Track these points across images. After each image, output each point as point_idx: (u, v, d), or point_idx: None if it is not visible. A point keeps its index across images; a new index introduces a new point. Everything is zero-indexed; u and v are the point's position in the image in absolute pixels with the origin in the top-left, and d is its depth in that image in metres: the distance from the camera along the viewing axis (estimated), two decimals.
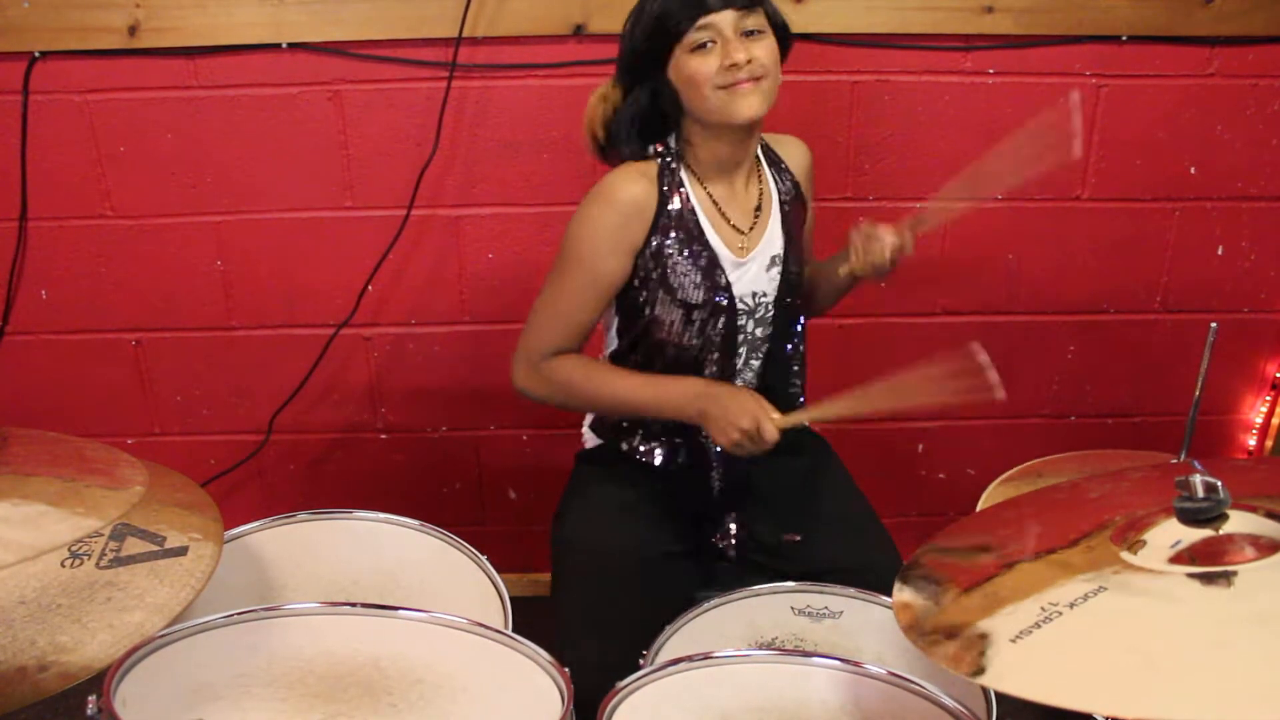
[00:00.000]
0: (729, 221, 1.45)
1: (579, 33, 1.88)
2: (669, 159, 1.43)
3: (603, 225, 1.41)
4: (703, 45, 1.32)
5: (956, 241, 2.06)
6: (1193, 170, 2.02)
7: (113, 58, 1.87)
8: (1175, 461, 1.42)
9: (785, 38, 1.40)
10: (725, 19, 1.31)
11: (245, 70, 1.89)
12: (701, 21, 1.31)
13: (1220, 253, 2.09)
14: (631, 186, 1.41)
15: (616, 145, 1.45)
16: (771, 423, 1.33)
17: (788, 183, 1.52)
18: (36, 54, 1.86)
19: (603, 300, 1.45)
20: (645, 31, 1.35)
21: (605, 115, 1.44)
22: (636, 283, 1.44)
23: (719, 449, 1.44)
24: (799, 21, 1.86)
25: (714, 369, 1.47)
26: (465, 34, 1.86)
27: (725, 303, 1.44)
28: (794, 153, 1.56)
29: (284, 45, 1.88)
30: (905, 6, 1.88)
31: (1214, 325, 1.37)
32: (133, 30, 1.85)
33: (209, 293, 2.05)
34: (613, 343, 1.56)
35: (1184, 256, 2.09)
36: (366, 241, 2.00)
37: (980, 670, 0.84)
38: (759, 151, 1.50)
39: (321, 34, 1.87)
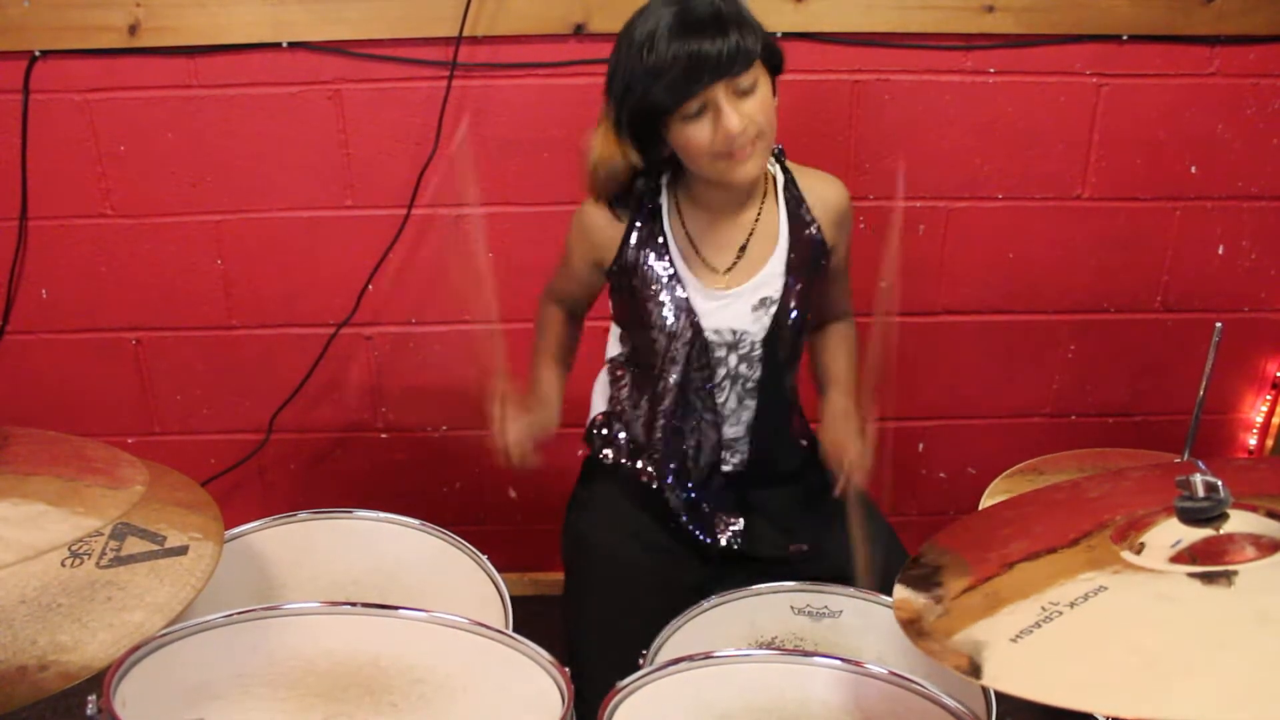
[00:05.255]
0: (701, 257, 1.43)
1: (579, 32, 1.88)
2: (656, 193, 1.42)
3: (575, 235, 1.48)
4: (696, 113, 1.27)
5: (957, 241, 2.06)
6: (1193, 170, 2.02)
7: (113, 57, 1.87)
8: (1179, 461, 1.41)
9: (778, 63, 1.33)
10: (718, 89, 1.24)
11: (245, 70, 1.89)
12: (693, 99, 1.25)
13: (1221, 252, 2.09)
14: (596, 215, 1.44)
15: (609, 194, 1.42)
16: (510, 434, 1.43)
17: (806, 224, 1.45)
18: (36, 53, 1.86)
19: (580, 288, 1.54)
20: (635, 103, 1.28)
21: (605, 165, 1.39)
22: (618, 296, 1.46)
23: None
24: (799, 21, 1.87)
25: (699, 397, 1.46)
26: (465, 33, 1.86)
27: (692, 333, 1.42)
28: (825, 193, 1.47)
29: (284, 44, 1.88)
30: (906, 6, 1.88)
31: (1219, 325, 1.37)
32: (133, 29, 1.85)
33: (209, 292, 2.05)
34: (613, 348, 1.57)
35: (1184, 256, 2.09)
36: (367, 241, 2.00)
37: (980, 670, 0.84)
38: (778, 186, 1.46)
39: (322, 33, 1.87)
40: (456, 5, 1.84)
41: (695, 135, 1.28)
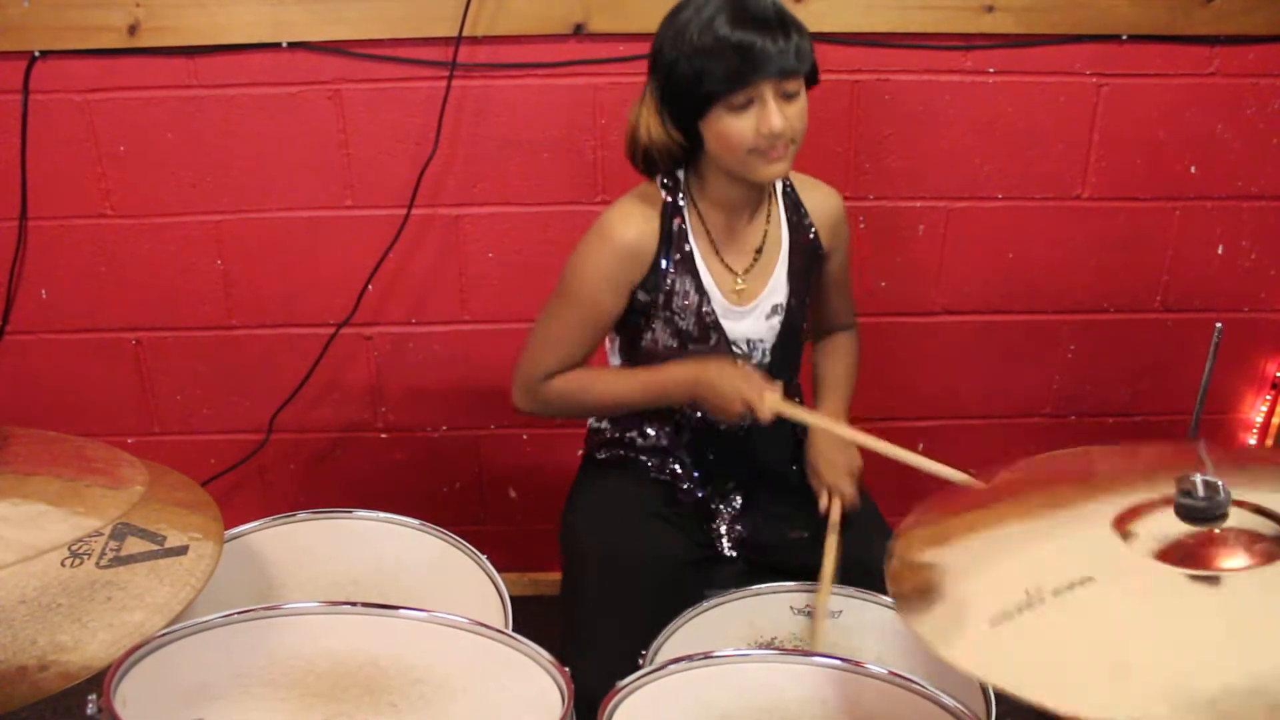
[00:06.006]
0: (723, 261, 1.45)
1: (579, 32, 1.88)
2: (677, 192, 1.43)
3: (601, 264, 1.41)
4: (742, 106, 1.28)
5: (957, 241, 2.06)
6: (1193, 169, 2.02)
7: (113, 57, 1.87)
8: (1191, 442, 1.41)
9: (815, 78, 1.36)
10: (768, 86, 1.27)
11: (245, 70, 1.89)
12: (743, 91, 1.27)
13: (1220, 252, 2.09)
14: (631, 229, 1.40)
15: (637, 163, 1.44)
16: (765, 404, 1.35)
17: (805, 231, 1.49)
18: (36, 53, 1.86)
19: (600, 334, 1.47)
20: (682, 84, 1.30)
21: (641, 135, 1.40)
22: (636, 312, 1.45)
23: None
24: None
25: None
26: (465, 33, 1.86)
27: (716, 343, 1.45)
28: (821, 201, 1.52)
29: (284, 44, 1.87)
30: (906, 5, 1.87)
31: (1219, 325, 1.37)
32: (133, 29, 1.85)
33: (209, 292, 2.05)
34: (614, 362, 1.57)
35: (1184, 256, 2.09)
36: (366, 241, 2.00)
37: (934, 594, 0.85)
38: (778, 193, 1.49)
39: (321, 33, 1.87)
40: (456, 5, 1.84)
41: (737, 127, 1.29)
